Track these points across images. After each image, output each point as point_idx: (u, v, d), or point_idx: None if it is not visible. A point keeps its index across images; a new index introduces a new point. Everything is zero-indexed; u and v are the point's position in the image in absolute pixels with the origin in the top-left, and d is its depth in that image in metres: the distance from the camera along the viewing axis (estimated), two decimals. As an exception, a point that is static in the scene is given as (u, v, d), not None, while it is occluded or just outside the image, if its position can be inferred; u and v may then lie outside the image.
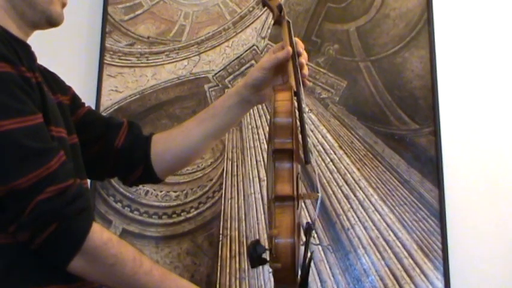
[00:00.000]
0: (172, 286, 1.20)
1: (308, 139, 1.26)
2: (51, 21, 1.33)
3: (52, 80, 1.42)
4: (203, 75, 2.40)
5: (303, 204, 1.29)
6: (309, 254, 1.19)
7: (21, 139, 1.12)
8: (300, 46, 1.47)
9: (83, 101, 1.56)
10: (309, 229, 1.19)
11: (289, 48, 1.42)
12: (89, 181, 2.15)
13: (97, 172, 1.55)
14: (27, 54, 1.30)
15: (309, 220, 1.25)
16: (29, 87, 1.18)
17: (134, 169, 1.55)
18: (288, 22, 1.51)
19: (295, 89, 1.32)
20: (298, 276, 1.18)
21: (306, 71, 1.44)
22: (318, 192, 1.37)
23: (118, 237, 1.20)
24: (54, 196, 1.12)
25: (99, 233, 1.15)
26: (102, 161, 1.53)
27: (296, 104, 1.29)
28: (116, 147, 1.53)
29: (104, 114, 2.33)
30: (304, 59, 1.45)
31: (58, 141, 1.23)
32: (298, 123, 1.30)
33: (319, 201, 1.26)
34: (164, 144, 1.60)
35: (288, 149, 1.22)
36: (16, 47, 1.22)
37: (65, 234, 1.12)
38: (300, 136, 1.27)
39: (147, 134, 1.61)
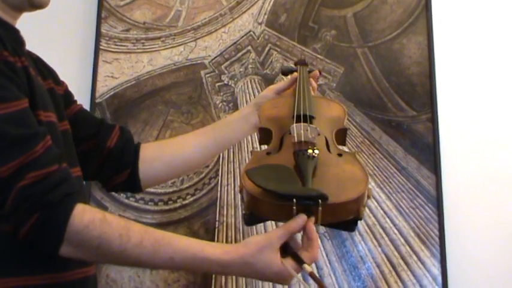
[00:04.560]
0: (169, 252, 1.15)
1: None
2: (34, 4, 1.29)
3: (44, 68, 1.40)
4: (199, 61, 2.39)
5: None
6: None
7: (3, 126, 1.09)
8: (315, 75, 1.64)
9: (75, 89, 1.54)
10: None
11: (295, 74, 1.61)
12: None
13: (82, 170, 1.52)
14: (14, 37, 1.28)
15: None
16: (12, 72, 1.15)
17: (120, 172, 1.53)
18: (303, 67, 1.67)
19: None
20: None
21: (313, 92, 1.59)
22: None
23: (103, 214, 1.15)
24: (35, 182, 1.09)
25: (79, 217, 1.10)
26: (90, 159, 1.50)
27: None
28: (108, 147, 1.51)
29: (99, 100, 2.32)
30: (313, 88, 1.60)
31: (47, 125, 1.21)
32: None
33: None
34: (156, 151, 1.59)
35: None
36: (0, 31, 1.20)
37: (47, 225, 1.09)
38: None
39: (136, 142, 1.59)
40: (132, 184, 1.55)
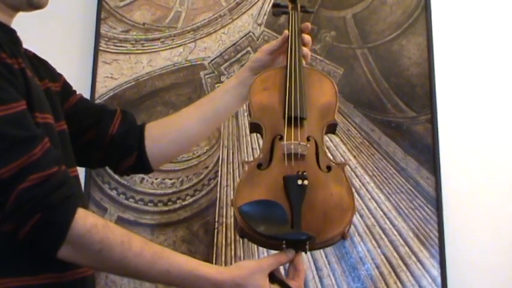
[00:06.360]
0: (166, 265, 1.17)
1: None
2: (33, 4, 1.29)
3: (41, 66, 1.39)
4: (199, 62, 2.38)
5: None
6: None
7: (2, 128, 1.09)
8: (306, 27, 1.59)
9: (74, 88, 1.54)
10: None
11: (286, 32, 1.56)
12: (83, 169, 2.17)
13: (88, 160, 1.53)
14: (11, 38, 1.28)
15: None
16: (10, 74, 1.16)
17: (127, 156, 1.54)
18: (295, 12, 1.62)
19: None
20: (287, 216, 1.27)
21: (306, 52, 1.56)
22: None
23: (105, 221, 1.17)
24: (37, 184, 1.09)
25: (82, 221, 1.12)
26: (95, 148, 1.51)
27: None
28: (111, 134, 1.51)
29: (99, 101, 2.32)
30: (305, 43, 1.58)
31: (44, 127, 1.21)
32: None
33: None
34: (160, 129, 1.59)
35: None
36: None
37: (49, 225, 1.09)
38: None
39: (141, 122, 1.60)
40: (142, 165, 1.57)
